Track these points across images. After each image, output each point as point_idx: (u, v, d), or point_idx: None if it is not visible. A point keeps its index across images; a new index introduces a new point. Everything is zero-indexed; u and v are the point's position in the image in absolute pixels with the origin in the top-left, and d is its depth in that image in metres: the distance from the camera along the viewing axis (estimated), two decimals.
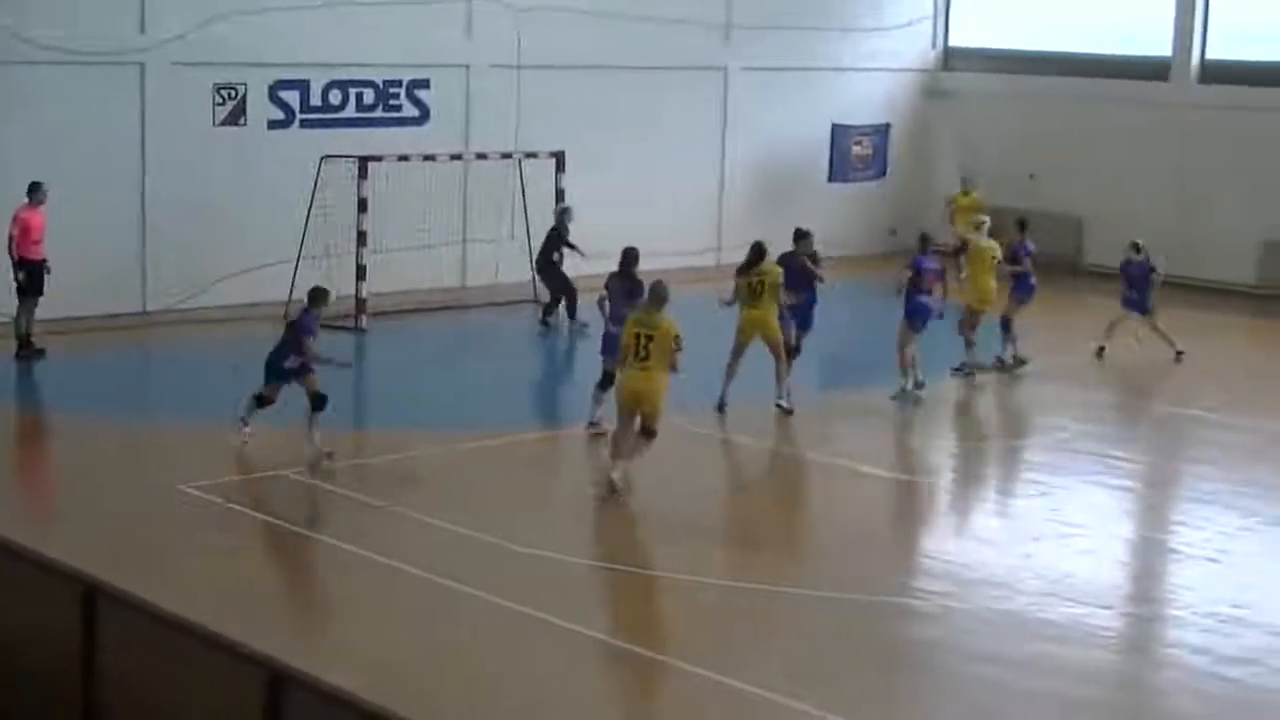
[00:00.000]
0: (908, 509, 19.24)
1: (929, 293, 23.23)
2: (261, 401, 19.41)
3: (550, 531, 17.17)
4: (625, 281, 20.86)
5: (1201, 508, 18.99)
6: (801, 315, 22.85)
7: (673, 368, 17.90)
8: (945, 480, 20.60)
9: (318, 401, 18.98)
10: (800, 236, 23.78)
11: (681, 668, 13.68)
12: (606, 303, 20.86)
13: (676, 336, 17.81)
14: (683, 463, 19.76)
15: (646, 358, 17.84)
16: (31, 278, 24.01)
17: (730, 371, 21.95)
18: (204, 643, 9.62)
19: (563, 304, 27.79)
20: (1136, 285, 26.19)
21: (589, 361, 24.00)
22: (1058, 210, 34.45)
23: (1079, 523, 18.08)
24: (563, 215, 28.13)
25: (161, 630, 9.96)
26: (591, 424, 20.60)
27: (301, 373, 19.15)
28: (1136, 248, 26.47)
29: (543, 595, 15.12)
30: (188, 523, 17.25)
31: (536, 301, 28.96)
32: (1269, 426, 22.42)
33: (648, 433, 18.04)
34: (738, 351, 22.02)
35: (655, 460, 19.77)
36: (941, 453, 21.76)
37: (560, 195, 29.05)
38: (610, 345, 20.34)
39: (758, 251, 22.24)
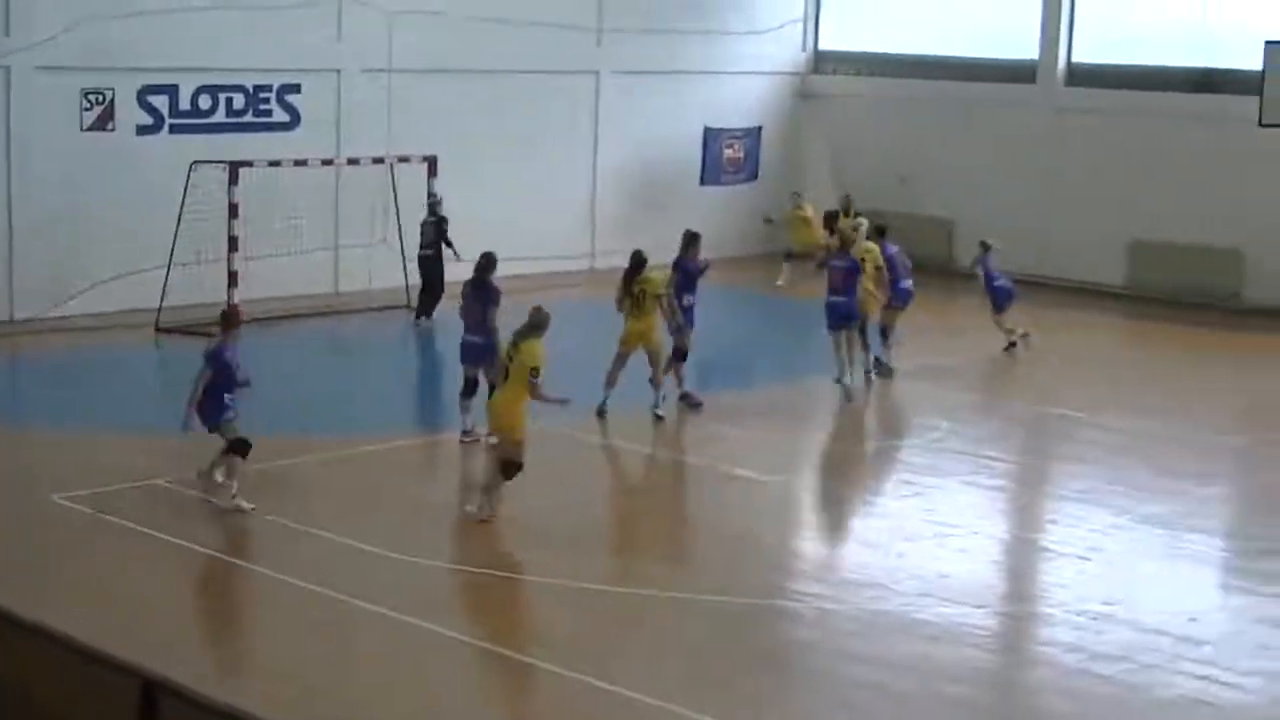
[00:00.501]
0: (784, 512, 19.31)
1: (837, 292, 23.48)
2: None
3: (427, 538, 17.12)
4: (479, 289, 20.73)
5: (1073, 506, 19.22)
6: (687, 317, 22.90)
7: (531, 395, 17.35)
8: (821, 482, 20.71)
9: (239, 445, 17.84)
10: (691, 240, 23.78)
11: (561, 673, 13.66)
12: (461, 311, 20.88)
13: (534, 368, 17.23)
14: (563, 469, 19.76)
15: (505, 379, 17.61)
16: None
17: (612, 380, 21.99)
18: (78, 654, 9.52)
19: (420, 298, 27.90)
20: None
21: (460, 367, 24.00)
22: (928, 213, 34.77)
23: (953, 523, 18.24)
24: (436, 206, 28.17)
25: (35, 641, 9.85)
26: (464, 433, 20.55)
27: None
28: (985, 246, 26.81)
29: (420, 602, 15.07)
30: (60, 533, 17.03)
31: (410, 307, 28.85)
32: (1137, 425, 22.71)
33: (504, 466, 17.38)
34: (620, 361, 22.06)
35: (536, 466, 19.78)
36: (817, 455, 21.90)
37: (432, 197, 28.96)
38: (467, 354, 20.52)
39: (638, 261, 22.23)
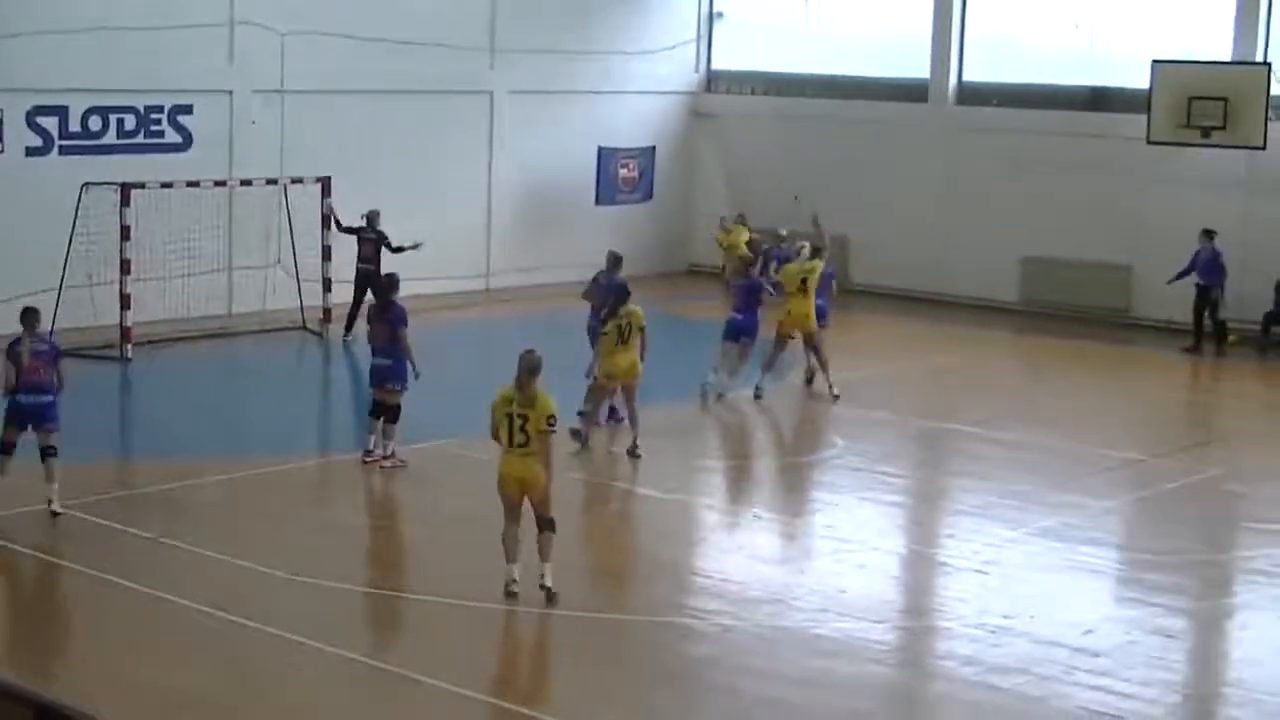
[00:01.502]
0: (683, 529, 19.34)
1: (738, 309, 24.29)
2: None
3: (327, 560, 17.03)
4: (385, 310, 20.70)
5: (969, 520, 19.36)
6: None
7: (542, 449, 15.69)
8: (720, 499, 20.76)
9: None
10: (617, 261, 24.11)
11: (459, 692, 13.64)
12: (368, 334, 20.83)
13: (550, 416, 15.65)
14: (467, 488, 19.74)
15: (525, 442, 15.61)
16: None
17: (595, 419, 21.81)
18: None
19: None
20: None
21: (360, 388, 23.95)
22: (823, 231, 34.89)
23: (851, 538, 18.33)
24: (374, 219, 28.32)
25: None
26: (367, 453, 20.49)
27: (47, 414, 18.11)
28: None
29: (318, 624, 15.00)
30: None
31: (305, 328, 28.72)
32: (1031, 439, 22.91)
33: (543, 524, 15.82)
34: (607, 394, 21.88)
35: (442, 483, 19.78)
36: (715, 472, 21.96)
37: (327, 221, 28.86)
38: (376, 375, 20.55)
39: (625, 291, 21.79)
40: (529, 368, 15.86)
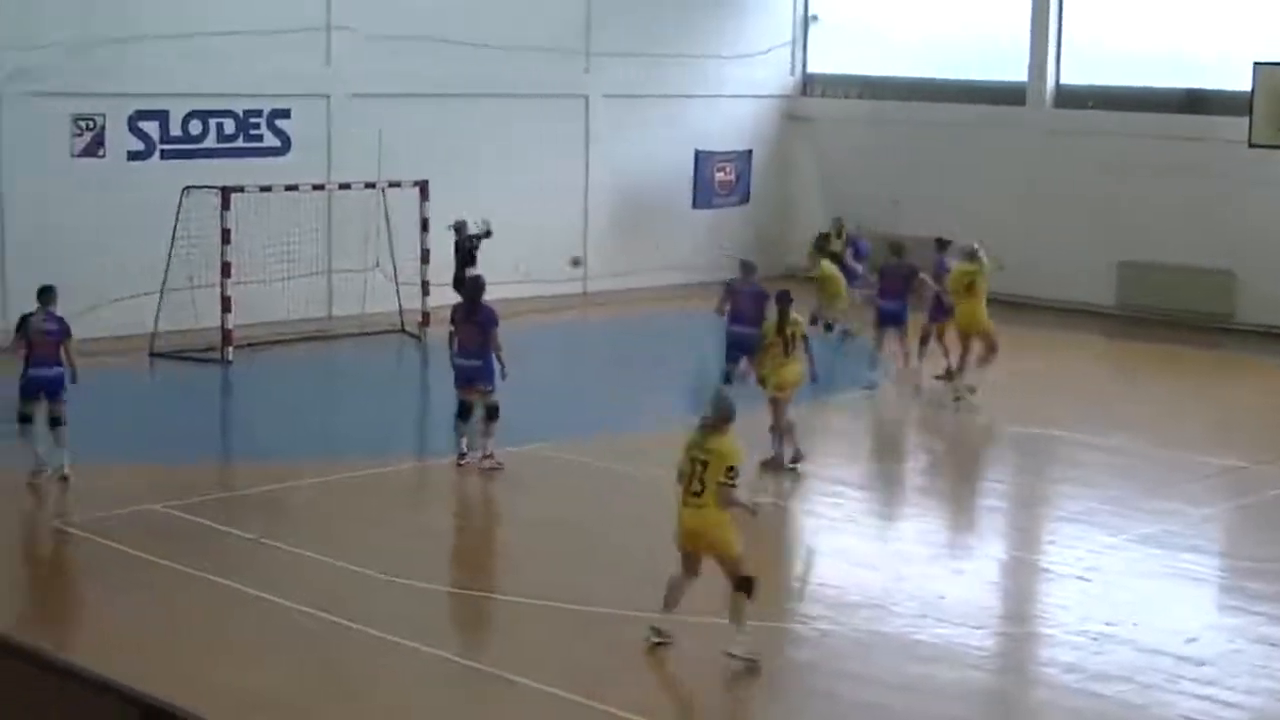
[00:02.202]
0: (783, 533, 19.31)
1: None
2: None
3: (423, 562, 17.10)
4: (474, 312, 20.69)
5: (1069, 526, 19.23)
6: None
7: (721, 499, 14.20)
8: (817, 504, 20.69)
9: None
10: (751, 269, 24.00)
11: (557, 694, 13.65)
12: (453, 336, 20.77)
13: (730, 468, 14.13)
14: (561, 492, 19.82)
15: (700, 490, 14.22)
16: None
17: (783, 429, 21.05)
18: (75, 681, 9.50)
19: None
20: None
21: (453, 391, 23.99)
22: (920, 234, 34.76)
23: (951, 544, 18.26)
24: (461, 228, 28.30)
25: (32, 669, 9.82)
26: (460, 456, 20.55)
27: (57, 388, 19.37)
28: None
29: (413, 624, 15.06)
30: (58, 559, 17.03)
31: (404, 331, 28.85)
32: (1131, 446, 22.73)
33: (738, 583, 14.36)
34: (782, 408, 21.05)
35: (535, 489, 19.81)
36: (816, 477, 21.87)
37: (425, 224, 28.99)
38: (462, 377, 20.54)
39: (788, 300, 21.04)
40: (717, 411, 14.41)
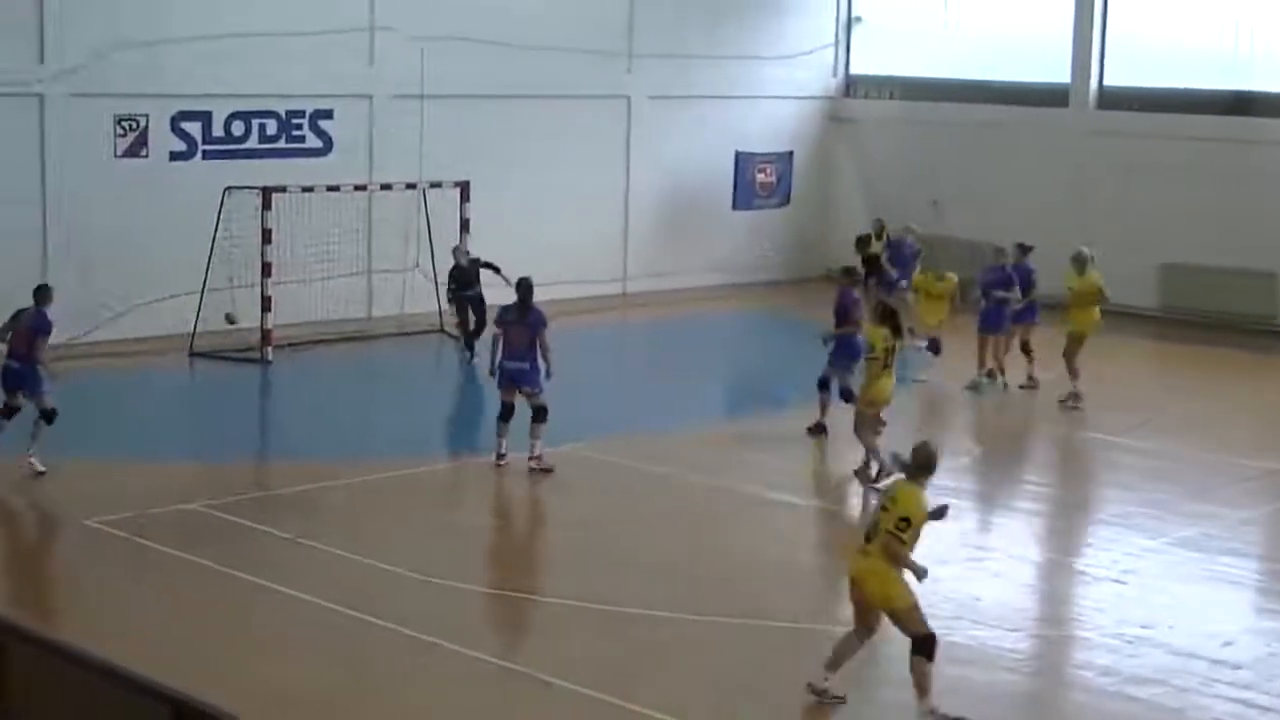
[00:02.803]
0: (818, 536, 19.29)
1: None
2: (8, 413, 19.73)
3: (459, 562, 17.12)
4: (525, 314, 20.58)
5: (1107, 530, 19.17)
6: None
7: (887, 550, 13.22)
8: (854, 505, 20.65)
9: (48, 416, 19.59)
10: (850, 272, 23.80)
11: (590, 695, 13.66)
12: (500, 338, 20.60)
13: (904, 519, 13.19)
14: (598, 492, 19.81)
15: (871, 538, 13.47)
16: None
17: (874, 446, 20.33)
18: (109, 677, 9.53)
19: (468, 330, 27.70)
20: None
21: (491, 390, 23.96)
22: (961, 236, 34.71)
23: (987, 546, 18.21)
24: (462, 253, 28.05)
25: (67, 667, 9.86)
26: (499, 457, 20.56)
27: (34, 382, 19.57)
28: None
29: (448, 624, 15.08)
30: (94, 557, 17.09)
31: (443, 331, 28.89)
32: (1170, 448, 22.64)
33: (915, 644, 13.31)
34: (878, 422, 20.58)
35: (573, 490, 19.81)
36: (850, 478, 21.82)
37: (465, 225, 29.03)
38: (507, 378, 20.45)
39: (894, 314, 20.56)
40: (914, 459, 13.71)
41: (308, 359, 27.27)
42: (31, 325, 19.74)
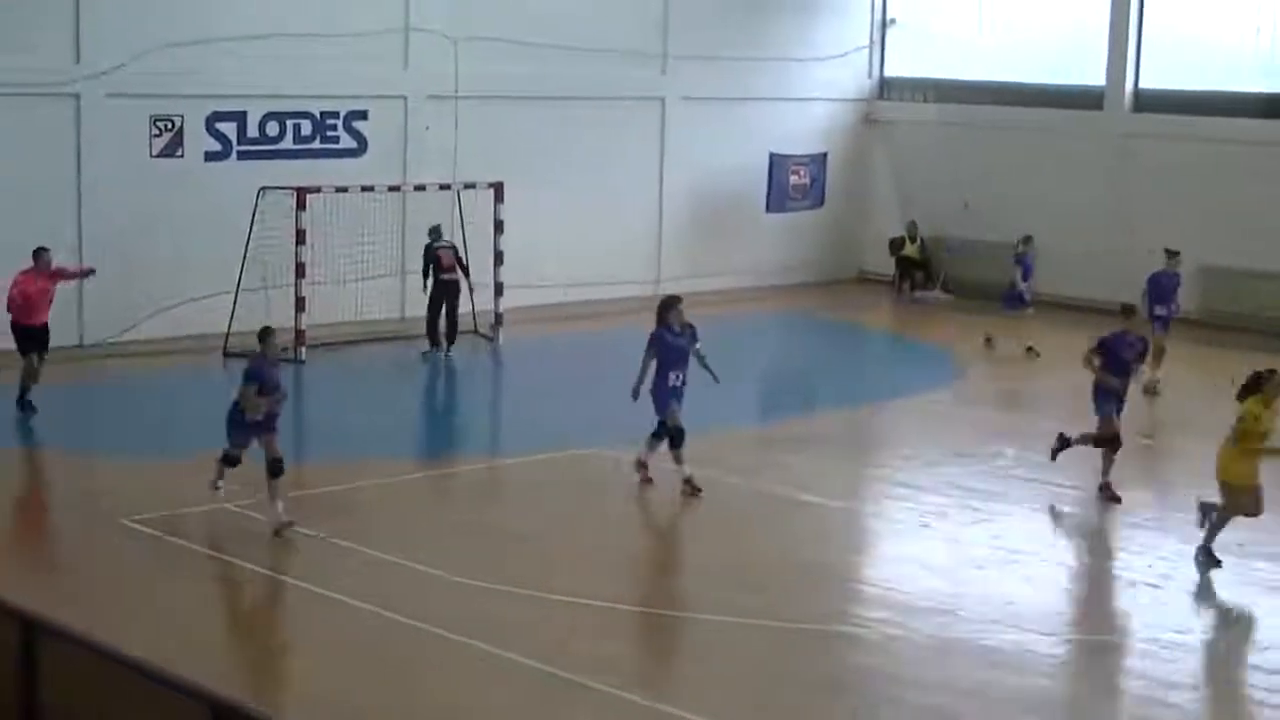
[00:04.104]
0: (850, 537, 19.25)
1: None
2: (230, 461, 18.34)
3: (490, 562, 17.12)
4: (667, 331, 19.71)
5: (1142, 533, 19.08)
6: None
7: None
8: (887, 507, 20.61)
9: (274, 467, 17.73)
10: (1130, 311, 21.77)
11: (624, 697, 13.65)
12: (650, 354, 19.68)
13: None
14: (628, 494, 19.78)
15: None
16: (23, 338, 23.11)
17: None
18: (146, 678, 9.55)
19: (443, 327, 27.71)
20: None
21: (525, 392, 24.04)
22: (993, 239, 34.64)
23: (1021, 549, 18.14)
24: (435, 233, 28.04)
25: (103, 666, 9.88)
26: (642, 465, 20.04)
27: (263, 429, 18.03)
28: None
29: (487, 627, 15.07)
30: (129, 556, 17.13)
31: (476, 332, 28.90)
32: (1207, 451, 22.44)
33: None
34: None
35: (602, 491, 19.80)
36: (883, 480, 21.78)
37: (500, 226, 29.04)
38: (665, 393, 19.64)
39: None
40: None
41: (341, 359, 27.30)
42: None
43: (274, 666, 14.59)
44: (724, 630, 15.52)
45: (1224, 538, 18.36)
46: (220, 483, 18.37)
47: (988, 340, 28.30)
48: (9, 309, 23.13)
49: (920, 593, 16.71)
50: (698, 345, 19.86)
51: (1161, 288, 26.36)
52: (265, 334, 18.48)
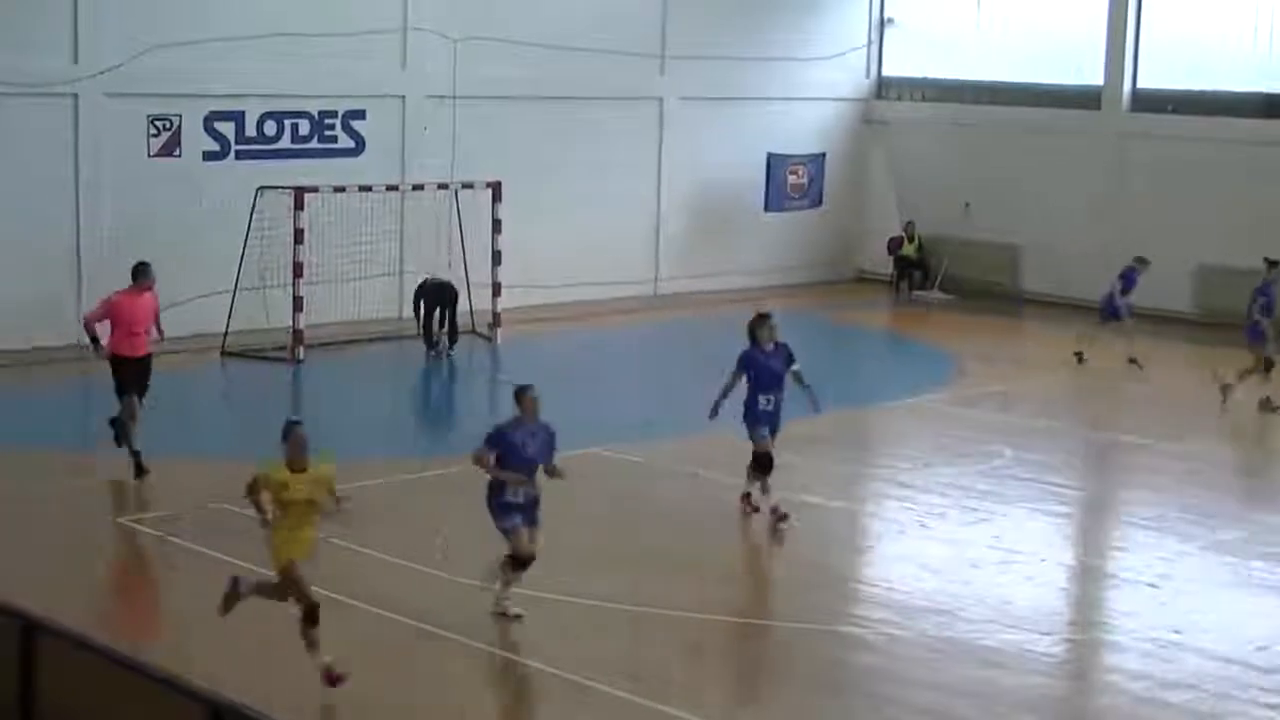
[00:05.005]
0: (849, 537, 19.24)
1: None
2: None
3: (489, 561, 17.10)
4: (759, 351, 18.71)
5: (1140, 533, 19.10)
6: None
7: None
8: (886, 508, 20.62)
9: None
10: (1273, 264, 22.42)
11: (623, 697, 13.64)
12: (738, 375, 18.77)
13: None
14: (628, 494, 19.79)
15: None
16: (125, 373, 20.09)
17: None
18: (145, 678, 9.56)
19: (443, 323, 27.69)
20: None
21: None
22: (993, 239, 34.69)
23: (1019, 549, 18.15)
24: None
25: (102, 665, 9.89)
26: (746, 496, 19.22)
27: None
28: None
29: (484, 626, 15.07)
30: (126, 555, 17.13)
31: (474, 332, 28.89)
32: (1206, 452, 22.54)
33: None
34: None
35: (602, 491, 19.80)
36: (882, 480, 21.80)
37: (497, 226, 29.04)
38: (754, 417, 18.66)
39: None
40: None
41: (339, 359, 27.29)
42: None
43: (272, 667, 14.56)
44: (724, 630, 15.52)
45: (1219, 536, 18.42)
46: (506, 601, 15.44)
47: (1079, 355, 27.55)
48: (89, 330, 20.36)
49: (919, 593, 16.72)
50: (795, 367, 18.68)
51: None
52: (521, 392, 15.43)
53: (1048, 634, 15.68)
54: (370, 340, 28.52)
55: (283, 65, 28.91)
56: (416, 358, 28.06)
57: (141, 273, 20.20)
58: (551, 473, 15.53)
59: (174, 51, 27.74)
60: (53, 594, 14.98)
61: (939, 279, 35.37)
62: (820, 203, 35.99)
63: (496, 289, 29.06)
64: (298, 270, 27.05)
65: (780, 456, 21.56)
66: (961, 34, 36.77)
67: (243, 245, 27.31)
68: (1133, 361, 27.12)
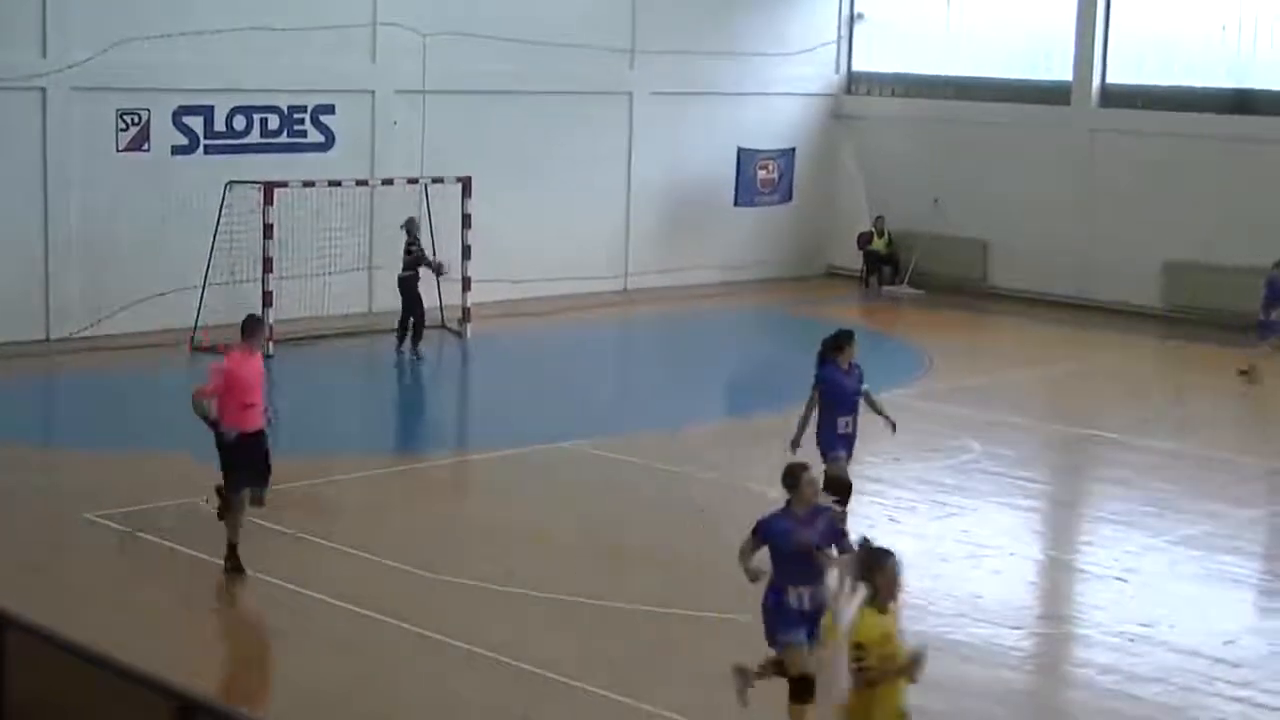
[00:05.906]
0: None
1: None
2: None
3: (462, 556, 17.11)
4: (836, 370, 17.10)
5: (1108, 527, 19.16)
6: None
7: None
8: (856, 503, 20.60)
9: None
10: None
11: (590, 690, 13.65)
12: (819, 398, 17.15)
13: None
14: (596, 488, 19.78)
15: None
16: (238, 455, 16.27)
17: None
18: (113, 673, 9.52)
19: (409, 329, 27.25)
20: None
21: (497, 387, 23.96)
22: (962, 234, 34.75)
23: (988, 544, 18.19)
24: (410, 226, 27.51)
25: (70, 661, 9.85)
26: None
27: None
28: None
29: (456, 621, 15.06)
30: (94, 551, 17.08)
31: (444, 327, 28.86)
32: (1173, 447, 22.62)
33: None
34: None
35: (571, 485, 19.81)
36: (851, 475, 21.78)
37: (467, 220, 29.00)
38: (831, 440, 17.22)
39: None
40: None
41: (309, 354, 27.25)
42: None
43: (242, 663, 14.56)
44: (691, 624, 15.53)
45: (1187, 531, 18.50)
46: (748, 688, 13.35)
47: (1243, 372, 27.16)
48: (202, 412, 16.45)
49: None
50: (865, 387, 17.18)
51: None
52: (794, 473, 13.59)
53: (1017, 628, 15.74)
54: (341, 335, 28.46)
55: (252, 60, 28.85)
56: (385, 353, 28.04)
57: (254, 329, 16.63)
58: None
59: (142, 45, 27.66)
60: (19, 590, 14.92)
61: (908, 274, 35.41)
62: (790, 198, 36.02)
63: (467, 283, 29.02)
64: (267, 265, 26.98)
65: (749, 450, 21.66)
66: (931, 29, 36.83)
67: (212, 240, 27.24)
68: (1244, 373, 26.91)
